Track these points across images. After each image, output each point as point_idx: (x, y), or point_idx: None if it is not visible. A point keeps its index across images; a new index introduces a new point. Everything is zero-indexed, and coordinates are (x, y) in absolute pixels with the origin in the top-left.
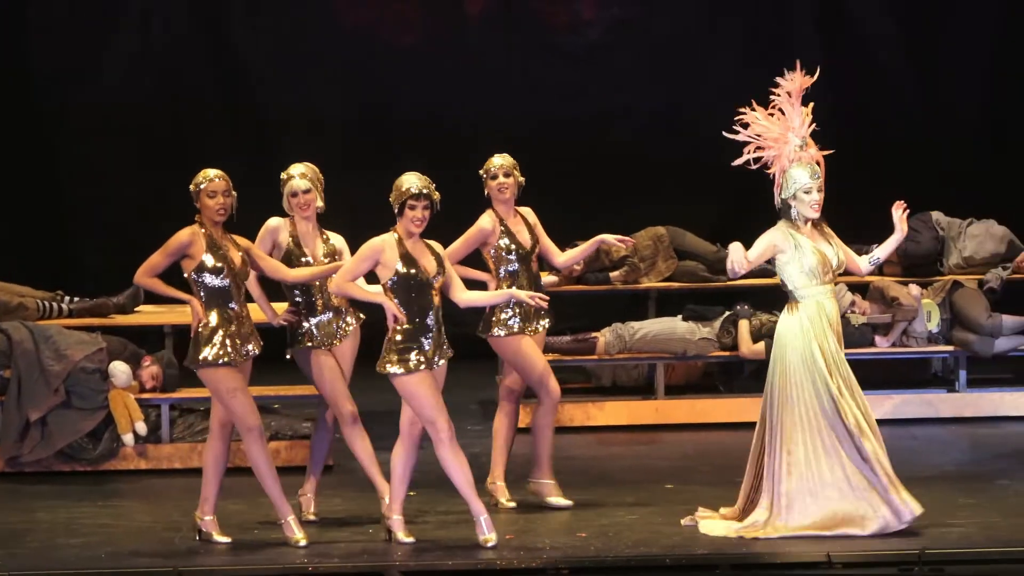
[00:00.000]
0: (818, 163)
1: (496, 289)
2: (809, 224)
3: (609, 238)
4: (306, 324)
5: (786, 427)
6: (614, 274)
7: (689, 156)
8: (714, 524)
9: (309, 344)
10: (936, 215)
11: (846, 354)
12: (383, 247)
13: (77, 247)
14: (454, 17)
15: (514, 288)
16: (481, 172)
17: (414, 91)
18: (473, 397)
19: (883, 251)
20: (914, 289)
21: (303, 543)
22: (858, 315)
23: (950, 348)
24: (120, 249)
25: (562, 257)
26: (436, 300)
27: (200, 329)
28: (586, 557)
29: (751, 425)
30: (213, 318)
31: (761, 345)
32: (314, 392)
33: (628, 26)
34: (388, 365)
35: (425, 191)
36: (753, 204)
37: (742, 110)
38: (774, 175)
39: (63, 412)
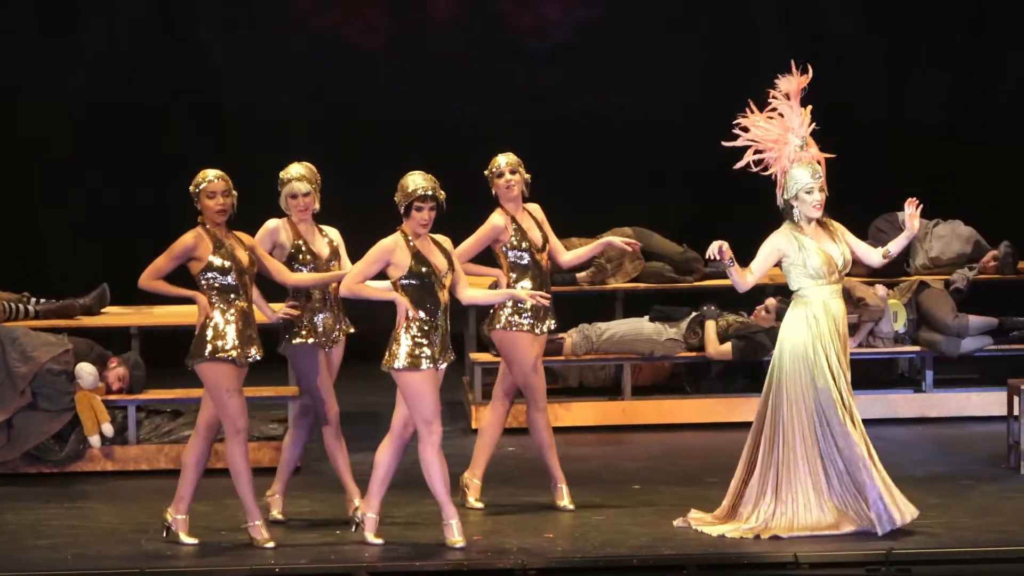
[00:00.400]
0: (819, 163)
1: (507, 285)
2: (813, 224)
3: (616, 240)
4: (303, 322)
5: (788, 425)
6: (581, 275)
7: (656, 156)
8: (713, 526)
9: (310, 340)
10: (902, 215)
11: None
12: (393, 248)
13: (43, 248)
14: (420, 20)
15: (519, 286)
16: (486, 172)
17: (380, 93)
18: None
19: (896, 246)
20: (880, 289)
21: (270, 545)
22: None
23: (916, 348)
24: (86, 250)
25: (567, 256)
26: (445, 298)
27: (204, 325)
28: (553, 558)
29: (718, 426)
30: (220, 316)
31: (728, 346)
32: (280, 394)
33: (594, 28)
34: (395, 360)
35: (431, 192)
36: (720, 204)
37: (741, 114)
38: (775, 177)
39: (29, 414)
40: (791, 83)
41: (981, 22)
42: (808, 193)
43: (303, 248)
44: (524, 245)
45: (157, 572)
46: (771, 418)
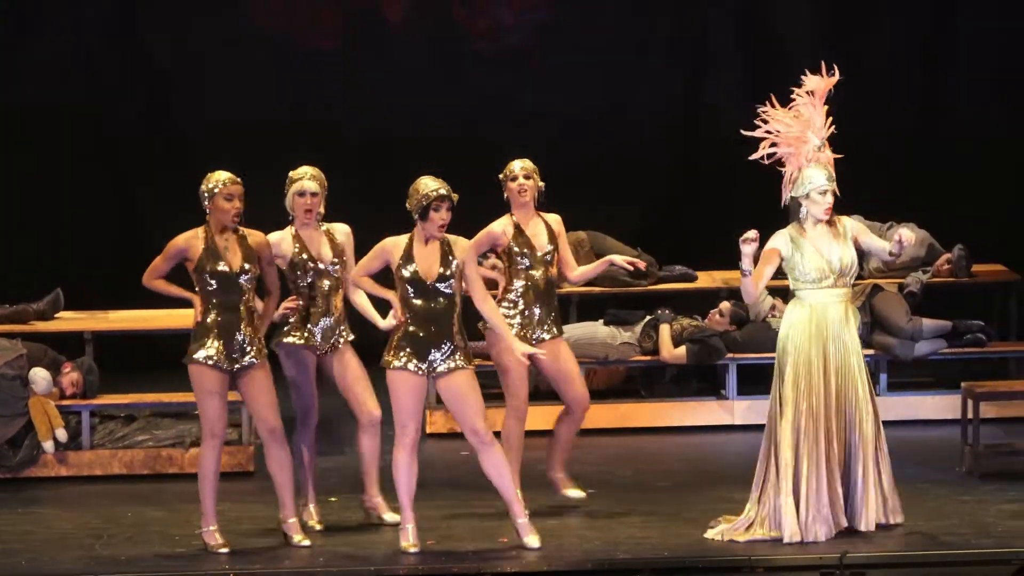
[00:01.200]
0: (832, 167)
1: (504, 290)
2: (821, 225)
3: (618, 259)
4: (301, 322)
5: (780, 430)
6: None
7: (610, 159)
8: (714, 529)
9: (300, 341)
10: (856, 219)
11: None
12: (392, 248)
13: None
14: (374, 23)
15: (520, 294)
16: (500, 176)
17: (334, 96)
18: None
19: (896, 248)
20: None
21: (225, 550)
22: (778, 319)
23: (870, 352)
24: (39, 255)
25: (575, 272)
26: (444, 306)
27: (196, 326)
28: (507, 561)
29: (673, 430)
30: (209, 319)
31: (682, 349)
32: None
33: (548, 32)
34: (384, 357)
35: (445, 192)
36: (674, 207)
37: (763, 108)
38: (787, 172)
39: None
40: (818, 83)
41: (936, 27)
42: (821, 194)
43: (304, 256)
44: (524, 253)
45: None
46: (771, 421)
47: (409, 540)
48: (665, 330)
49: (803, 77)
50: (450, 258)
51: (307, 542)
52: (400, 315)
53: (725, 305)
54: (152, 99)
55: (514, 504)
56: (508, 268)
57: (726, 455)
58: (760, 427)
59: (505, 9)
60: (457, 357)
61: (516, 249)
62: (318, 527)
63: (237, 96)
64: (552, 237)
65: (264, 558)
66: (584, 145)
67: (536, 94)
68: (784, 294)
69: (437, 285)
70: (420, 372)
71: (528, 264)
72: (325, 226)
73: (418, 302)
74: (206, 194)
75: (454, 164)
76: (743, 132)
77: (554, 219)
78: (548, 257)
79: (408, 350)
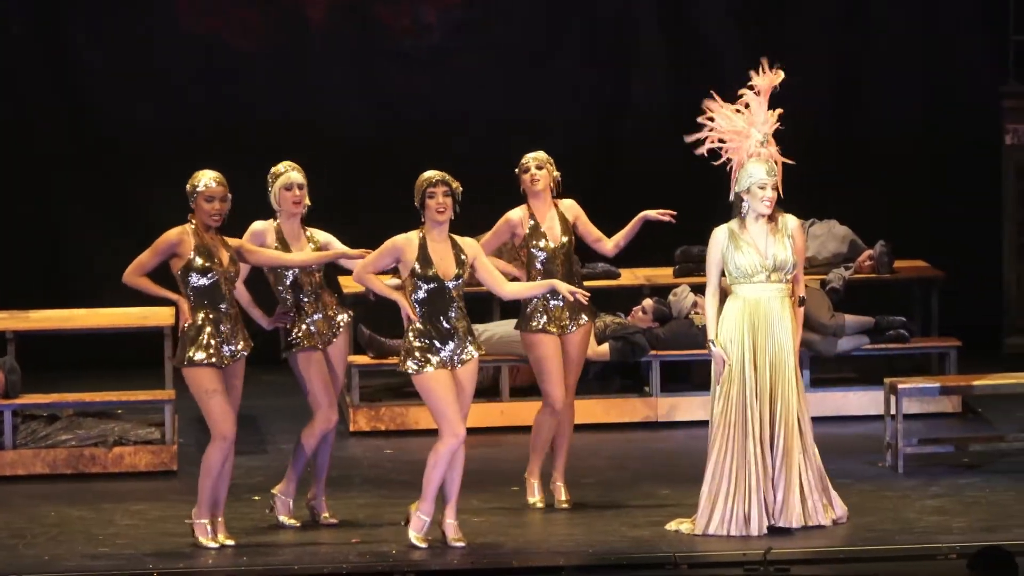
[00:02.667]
0: (776, 163)
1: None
2: (762, 221)
3: (651, 213)
4: (298, 327)
5: (712, 422)
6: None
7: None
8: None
9: (302, 347)
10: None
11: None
12: (405, 246)
13: None
14: (296, 23)
15: (555, 280)
16: (516, 169)
17: (258, 96)
18: None
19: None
20: None
21: (213, 546)
22: (701, 316)
23: None
24: None
25: (609, 244)
26: (457, 302)
27: (186, 329)
28: (431, 559)
29: (596, 427)
30: (200, 318)
31: (605, 347)
32: (156, 398)
33: (470, 30)
34: (405, 363)
35: (442, 177)
36: (598, 204)
37: (707, 103)
38: (730, 168)
39: None
40: (763, 80)
41: (853, 22)
42: (761, 188)
43: (286, 250)
44: (540, 243)
45: None
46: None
47: (453, 533)
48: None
49: (749, 76)
50: (462, 257)
51: (231, 541)
52: (414, 315)
53: (648, 302)
54: (74, 101)
55: (453, 504)
56: (527, 261)
57: (650, 452)
58: (684, 423)
59: (426, 7)
60: (469, 348)
61: (534, 242)
62: (333, 520)
63: (159, 96)
64: (566, 228)
65: (188, 557)
66: (505, 144)
67: (457, 92)
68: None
69: (453, 284)
70: (446, 367)
71: (545, 258)
72: (309, 231)
73: (434, 301)
74: (190, 193)
75: (376, 162)
76: (686, 138)
77: (567, 205)
78: (564, 248)
79: (429, 349)
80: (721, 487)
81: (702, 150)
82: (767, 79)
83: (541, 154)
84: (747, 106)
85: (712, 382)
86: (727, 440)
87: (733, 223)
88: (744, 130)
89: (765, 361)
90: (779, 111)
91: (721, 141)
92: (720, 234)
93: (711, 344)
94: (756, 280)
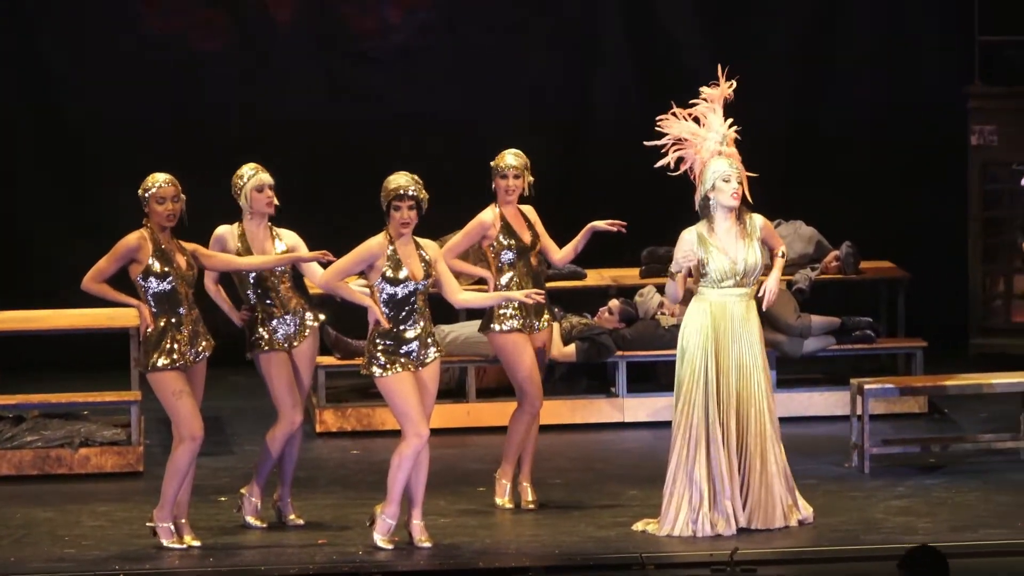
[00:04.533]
0: (739, 165)
1: (494, 283)
2: (729, 221)
3: (600, 224)
4: (263, 328)
5: (677, 425)
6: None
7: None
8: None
9: (267, 348)
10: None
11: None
12: (379, 252)
13: None
14: (262, 24)
15: (506, 288)
16: (492, 165)
17: (223, 97)
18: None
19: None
20: None
21: (179, 547)
22: (667, 317)
23: None
24: None
25: (559, 254)
26: (421, 304)
27: (148, 334)
28: (398, 560)
29: (562, 427)
30: (160, 323)
31: (572, 347)
32: (122, 399)
33: (435, 31)
34: (369, 366)
35: (411, 191)
36: (562, 204)
37: (661, 117)
38: (692, 175)
39: None
40: (715, 91)
41: (820, 22)
42: (725, 181)
43: (249, 252)
44: (511, 244)
45: None
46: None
47: (420, 534)
48: (555, 328)
49: (701, 89)
50: (427, 258)
51: (197, 542)
52: (384, 320)
53: (614, 303)
54: (38, 102)
55: (418, 505)
56: (495, 261)
57: (617, 453)
58: (650, 424)
59: (391, 8)
60: (432, 350)
61: (503, 242)
62: (299, 521)
63: (124, 97)
64: (532, 230)
65: (154, 558)
66: (469, 144)
67: (422, 93)
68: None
69: (422, 285)
70: (411, 369)
71: (513, 257)
72: (276, 231)
73: (401, 304)
74: (143, 197)
75: (341, 162)
76: (646, 143)
77: (529, 209)
78: (532, 247)
79: (394, 352)
80: (684, 489)
81: (663, 162)
82: (719, 90)
83: (521, 159)
84: (696, 119)
85: (676, 383)
86: (687, 442)
87: (701, 226)
88: (701, 133)
89: (730, 366)
90: (731, 121)
91: (680, 146)
92: (689, 236)
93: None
94: (724, 285)
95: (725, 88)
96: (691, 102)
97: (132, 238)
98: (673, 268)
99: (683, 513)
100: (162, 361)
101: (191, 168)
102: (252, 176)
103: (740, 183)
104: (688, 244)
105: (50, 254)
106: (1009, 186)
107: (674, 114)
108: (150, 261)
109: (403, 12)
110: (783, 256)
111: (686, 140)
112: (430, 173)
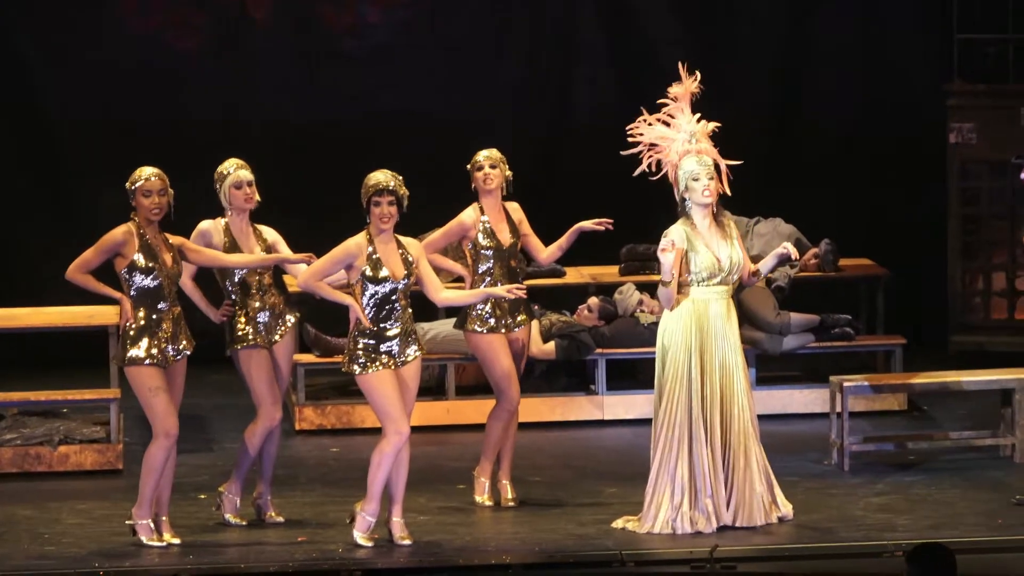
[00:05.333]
0: (713, 160)
1: (471, 282)
2: (708, 220)
3: (587, 224)
4: (243, 323)
5: (659, 422)
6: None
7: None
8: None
9: (246, 344)
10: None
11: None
12: (358, 252)
13: None
14: (240, 23)
15: (485, 285)
16: (468, 166)
17: (202, 95)
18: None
19: (764, 266)
20: None
21: (158, 544)
22: (647, 314)
23: None
24: None
25: (545, 253)
26: (402, 302)
27: (128, 328)
28: (379, 557)
29: (541, 424)
30: (141, 317)
31: (551, 345)
32: (102, 397)
33: (413, 29)
34: (350, 364)
35: (390, 186)
36: (540, 203)
37: (630, 127)
38: (673, 178)
39: None
40: (681, 87)
41: (798, 20)
42: (695, 180)
43: (234, 249)
44: (490, 244)
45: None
46: (654, 415)
47: (400, 532)
48: (534, 326)
49: (668, 90)
50: (408, 258)
51: (177, 540)
52: (365, 319)
53: (593, 300)
54: (18, 99)
55: (398, 503)
56: (473, 260)
57: (596, 450)
58: (630, 422)
59: (370, 7)
60: (413, 348)
61: (482, 242)
62: (279, 519)
63: (102, 95)
64: (514, 229)
65: (134, 556)
66: (449, 143)
67: (401, 91)
68: (652, 289)
69: (402, 284)
70: (392, 367)
71: (492, 257)
72: (257, 228)
73: (382, 303)
74: (130, 190)
75: (319, 160)
76: (622, 152)
77: (514, 207)
78: (511, 248)
79: (375, 350)
80: (665, 487)
81: (641, 169)
82: (684, 86)
83: (495, 152)
84: (667, 122)
85: (656, 381)
86: (671, 440)
87: (685, 223)
88: (669, 134)
89: (714, 364)
90: (699, 116)
91: (654, 151)
92: (677, 233)
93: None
94: (711, 283)
95: (690, 84)
96: (659, 102)
97: (119, 232)
98: (666, 278)
99: (664, 511)
100: (140, 355)
101: (171, 165)
102: (231, 174)
103: (712, 178)
104: (678, 235)
105: (31, 254)
106: (991, 183)
107: (643, 120)
108: (135, 256)
109: (382, 11)
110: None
111: (658, 145)
112: (410, 172)
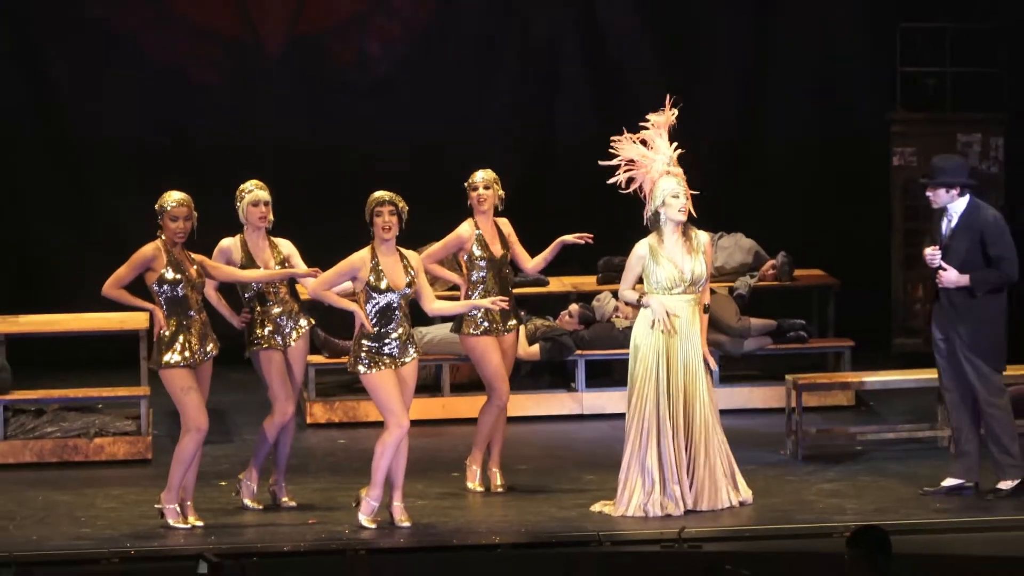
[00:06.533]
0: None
1: (466, 290)
2: (677, 234)
3: (569, 238)
4: (261, 329)
5: (628, 417)
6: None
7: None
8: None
9: (265, 346)
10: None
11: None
12: (360, 264)
13: None
14: (254, 56)
15: (475, 296)
16: (465, 185)
17: (216, 123)
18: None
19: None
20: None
21: (184, 526)
22: (622, 319)
23: None
24: None
25: (531, 263)
26: (402, 309)
27: (161, 335)
28: (380, 539)
29: (528, 419)
30: (173, 325)
31: (536, 347)
32: (133, 394)
33: (411, 63)
34: (355, 365)
35: (389, 198)
36: (529, 218)
37: (614, 139)
38: (642, 194)
39: None
40: (661, 117)
41: (758, 54)
42: (674, 198)
43: (250, 263)
44: (484, 256)
45: (27, 555)
46: (627, 412)
47: (400, 515)
48: (521, 330)
49: (647, 117)
50: (410, 269)
51: (200, 522)
52: (368, 324)
53: (574, 307)
54: (48, 123)
55: (399, 489)
56: (468, 270)
57: (576, 441)
58: (606, 416)
59: (372, 42)
60: (411, 350)
61: (477, 254)
62: (292, 503)
63: (130, 123)
64: (504, 242)
65: (162, 537)
66: (444, 165)
67: (400, 119)
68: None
69: (403, 293)
70: (393, 367)
71: (485, 267)
72: (275, 242)
73: (384, 310)
74: (159, 212)
75: (327, 182)
76: (600, 163)
77: (504, 222)
78: (502, 259)
79: (378, 352)
80: (637, 475)
81: (614, 180)
82: (664, 117)
83: (490, 174)
84: (644, 142)
85: (628, 379)
86: (640, 433)
87: (652, 238)
88: (649, 155)
89: (679, 364)
90: (676, 145)
91: (630, 167)
92: (642, 248)
93: (644, 305)
94: (674, 292)
95: (670, 116)
96: (640, 124)
97: (148, 249)
98: (643, 302)
99: (636, 497)
100: (173, 359)
101: (187, 187)
102: (250, 192)
103: (687, 198)
104: (641, 256)
105: (66, 264)
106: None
107: (627, 137)
108: (164, 271)
109: (382, 45)
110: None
111: (637, 162)
112: (409, 192)
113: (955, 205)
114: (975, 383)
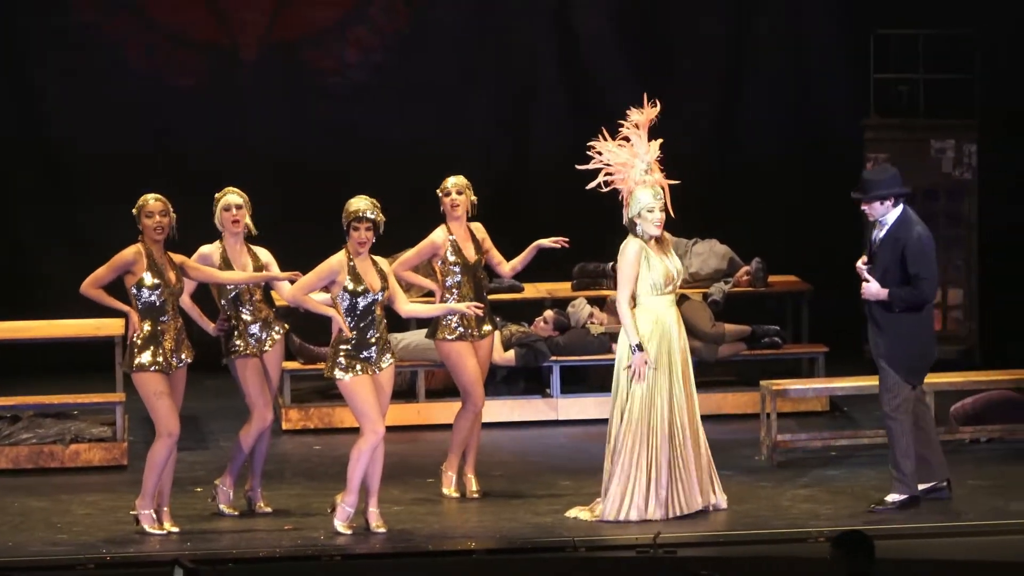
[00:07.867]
0: (662, 187)
1: (441, 296)
2: (652, 240)
3: (545, 242)
4: (238, 336)
5: (623, 423)
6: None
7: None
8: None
9: (243, 352)
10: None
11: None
12: (340, 268)
13: None
14: (232, 63)
15: (451, 300)
16: (438, 191)
17: (194, 130)
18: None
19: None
20: None
21: (159, 532)
22: (597, 325)
23: None
24: None
25: (507, 267)
26: (379, 313)
27: (135, 338)
28: (357, 544)
29: (504, 424)
30: (147, 329)
31: (511, 353)
32: (108, 400)
33: (387, 70)
34: (332, 370)
35: (370, 215)
36: (500, 225)
37: (592, 142)
38: (622, 197)
39: None
40: (641, 115)
41: (733, 60)
42: (650, 212)
43: (228, 267)
44: (458, 262)
45: (3, 562)
46: (612, 414)
47: (376, 521)
48: (496, 336)
49: (628, 111)
50: (383, 273)
51: (176, 528)
52: (347, 329)
53: (549, 313)
54: (30, 130)
55: (374, 494)
56: (443, 275)
57: (551, 447)
58: (581, 422)
59: (349, 49)
60: (387, 355)
61: (451, 259)
62: (268, 509)
63: (109, 129)
64: (478, 247)
65: (137, 543)
66: (420, 171)
67: (376, 125)
68: (602, 304)
69: (379, 296)
70: (369, 372)
71: (460, 272)
72: (252, 249)
73: (362, 314)
74: (136, 214)
75: (303, 188)
76: (577, 167)
77: (477, 227)
78: (476, 264)
79: (355, 357)
80: (622, 480)
81: (593, 184)
82: (645, 114)
83: (461, 180)
84: (628, 140)
85: (617, 385)
86: (628, 437)
87: (637, 243)
88: (629, 161)
89: (671, 368)
90: (659, 140)
91: (609, 174)
92: (636, 247)
93: (636, 348)
94: (665, 292)
95: (650, 113)
96: (619, 122)
97: (129, 252)
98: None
99: (617, 500)
100: (147, 362)
101: (171, 192)
102: (222, 198)
103: (663, 211)
104: (636, 255)
105: (44, 271)
106: None
107: (604, 137)
108: (144, 275)
109: (360, 52)
110: None
111: (615, 166)
112: (385, 197)
113: (888, 215)
114: (880, 392)
